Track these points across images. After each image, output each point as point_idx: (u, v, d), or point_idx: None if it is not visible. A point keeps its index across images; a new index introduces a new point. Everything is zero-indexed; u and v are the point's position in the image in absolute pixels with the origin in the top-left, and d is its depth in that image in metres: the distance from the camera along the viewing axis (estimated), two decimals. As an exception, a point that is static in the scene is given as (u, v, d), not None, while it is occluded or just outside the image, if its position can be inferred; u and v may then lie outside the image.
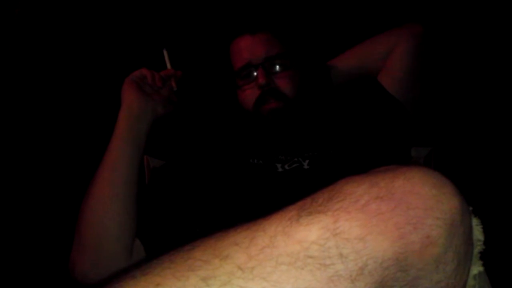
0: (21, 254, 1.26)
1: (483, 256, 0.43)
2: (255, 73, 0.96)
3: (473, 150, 1.37)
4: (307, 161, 0.86)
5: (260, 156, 0.91)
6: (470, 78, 1.41)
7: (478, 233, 0.43)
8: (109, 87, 0.93)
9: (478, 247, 0.43)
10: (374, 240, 0.35)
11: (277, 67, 0.97)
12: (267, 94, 0.94)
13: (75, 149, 1.34)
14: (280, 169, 0.85)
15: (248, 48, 0.98)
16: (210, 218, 0.81)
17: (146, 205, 0.85)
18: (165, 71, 0.94)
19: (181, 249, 0.36)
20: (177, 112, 0.95)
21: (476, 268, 0.42)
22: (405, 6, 1.40)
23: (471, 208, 0.43)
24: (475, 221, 0.43)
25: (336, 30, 1.41)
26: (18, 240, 1.27)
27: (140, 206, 0.83)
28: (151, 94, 0.89)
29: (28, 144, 1.34)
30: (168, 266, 0.34)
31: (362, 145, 0.93)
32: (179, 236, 0.82)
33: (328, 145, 0.93)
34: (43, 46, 1.39)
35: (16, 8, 1.35)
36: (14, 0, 1.35)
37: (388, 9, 1.41)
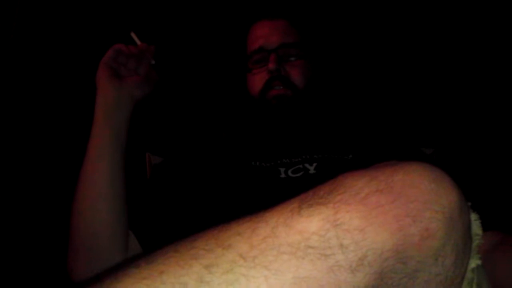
0: (21, 254, 1.26)
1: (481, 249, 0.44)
2: (266, 59, 0.94)
3: (475, 151, 1.37)
4: (314, 164, 0.82)
5: (263, 157, 0.87)
6: (471, 79, 1.41)
7: (476, 228, 0.44)
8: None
9: (476, 241, 0.43)
10: (374, 231, 0.36)
11: (290, 55, 0.95)
12: (276, 79, 0.92)
13: (75, 148, 1.34)
14: (283, 175, 0.81)
15: (264, 33, 0.97)
16: (208, 218, 0.80)
17: (145, 202, 0.85)
18: (138, 46, 0.87)
19: (185, 239, 0.37)
20: (159, 91, 0.90)
21: (474, 262, 0.43)
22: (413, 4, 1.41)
23: (469, 203, 0.43)
24: (473, 216, 0.44)
25: (349, 26, 1.40)
26: (18, 240, 1.27)
27: (139, 202, 0.83)
28: (126, 78, 0.82)
29: (28, 144, 1.34)
30: (172, 255, 0.35)
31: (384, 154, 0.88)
32: (177, 234, 0.81)
33: (344, 148, 0.89)
34: (43, 46, 1.39)
35: (16, 8, 1.36)
36: (14, 0, 1.36)
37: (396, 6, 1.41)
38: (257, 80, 0.95)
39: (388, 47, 1.45)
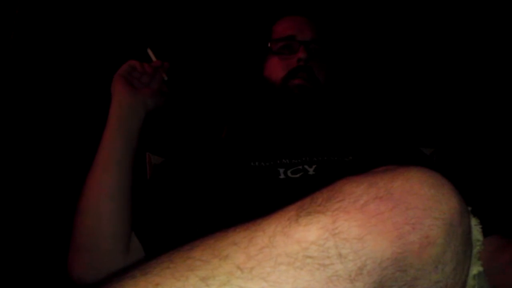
0: (21, 254, 1.26)
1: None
2: (296, 48, 0.94)
3: (475, 151, 1.37)
4: (314, 166, 0.81)
5: (262, 157, 0.86)
6: (471, 79, 1.41)
7: (477, 233, 0.43)
8: (108, 87, 0.92)
9: (477, 247, 0.43)
10: (373, 240, 0.35)
11: (317, 53, 0.96)
12: (302, 70, 0.92)
13: (75, 148, 1.34)
14: (282, 176, 0.80)
15: (297, 25, 0.98)
16: (208, 219, 0.79)
17: (145, 203, 0.85)
18: (152, 63, 0.92)
19: (180, 248, 0.36)
20: (169, 103, 0.94)
21: (476, 268, 0.42)
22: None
23: (470, 208, 0.42)
24: (474, 221, 0.43)
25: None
26: (18, 240, 1.27)
27: (139, 203, 0.83)
28: (140, 89, 0.87)
29: (28, 144, 1.34)
30: (167, 266, 0.34)
31: (386, 156, 0.88)
32: (177, 234, 0.81)
33: (343, 150, 0.88)
34: (43, 46, 1.39)
35: (16, 8, 1.35)
36: (14, 0, 1.35)
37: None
38: (282, 66, 0.95)
39: (387, 47, 1.44)
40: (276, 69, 0.95)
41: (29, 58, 1.37)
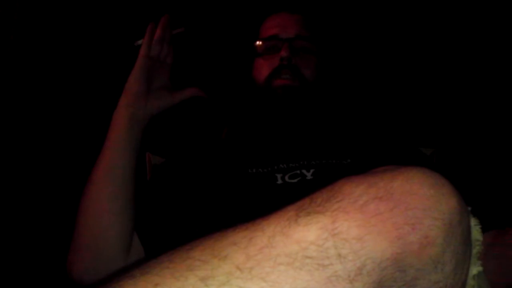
0: (21, 254, 1.26)
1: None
2: (280, 46, 0.93)
3: (475, 151, 1.37)
4: (311, 170, 0.80)
5: (260, 163, 0.85)
6: (471, 79, 1.41)
7: (476, 233, 0.43)
8: (108, 88, 0.91)
9: (477, 247, 0.43)
10: (373, 240, 0.35)
11: (303, 49, 0.95)
12: (285, 68, 0.91)
13: (75, 148, 1.34)
14: (279, 181, 0.79)
15: (280, 23, 0.97)
16: (207, 222, 0.79)
17: (145, 203, 0.84)
18: (156, 34, 0.85)
19: (180, 249, 0.36)
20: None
21: (476, 268, 0.42)
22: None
23: (469, 208, 0.43)
24: (473, 221, 0.43)
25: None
26: (18, 240, 1.27)
27: (139, 203, 0.83)
28: (152, 94, 0.84)
29: (29, 144, 1.34)
30: (167, 266, 0.34)
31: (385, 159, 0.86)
32: (177, 235, 0.81)
33: (342, 153, 0.86)
34: (43, 46, 1.39)
35: (15, 8, 1.36)
36: (13, 0, 1.35)
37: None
38: (266, 66, 0.94)
39: (387, 47, 1.44)
40: (261, 70, 0.95)
41: (29, 59, 1.37)
